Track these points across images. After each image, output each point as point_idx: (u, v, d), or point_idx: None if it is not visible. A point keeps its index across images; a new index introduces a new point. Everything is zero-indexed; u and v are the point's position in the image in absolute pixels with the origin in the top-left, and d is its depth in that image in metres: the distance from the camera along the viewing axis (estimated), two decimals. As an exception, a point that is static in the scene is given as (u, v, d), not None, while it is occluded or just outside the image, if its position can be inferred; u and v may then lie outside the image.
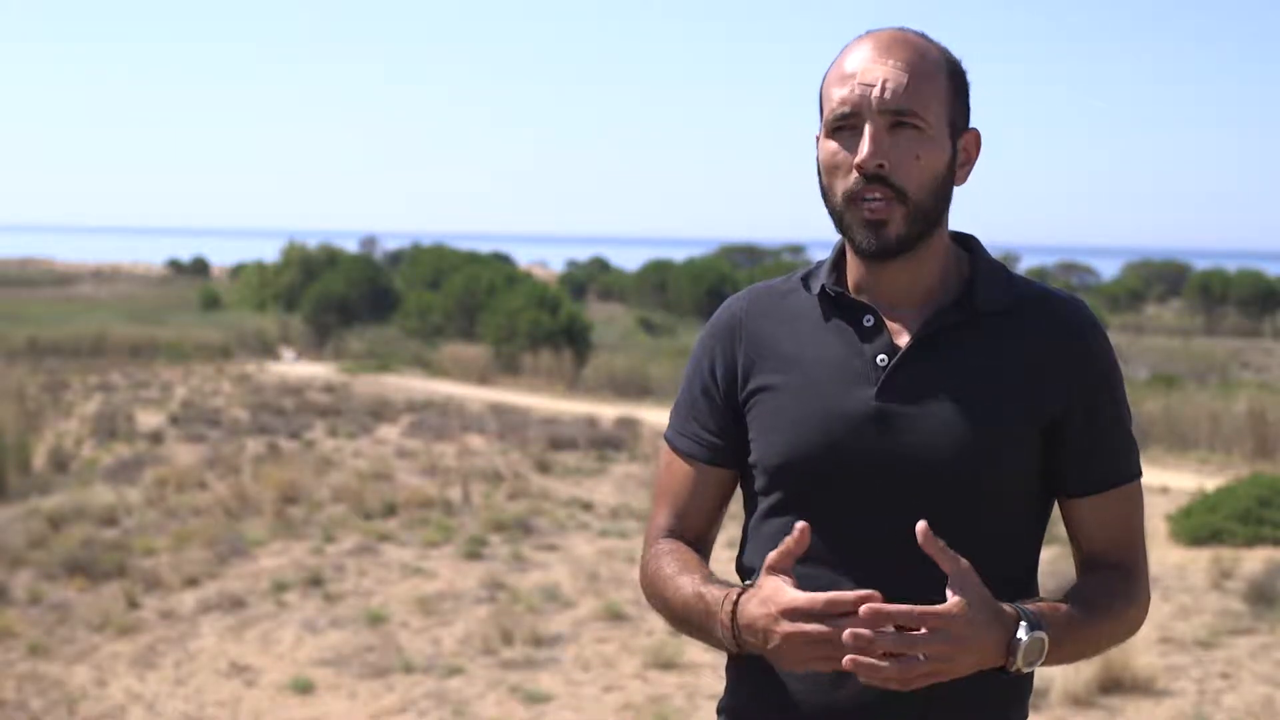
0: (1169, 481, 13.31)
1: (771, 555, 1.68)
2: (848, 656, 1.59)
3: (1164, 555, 9.83)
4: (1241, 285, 46.41)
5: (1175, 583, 8.86)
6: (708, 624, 1.78)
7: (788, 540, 1.67)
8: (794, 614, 1.63)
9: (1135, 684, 6.50)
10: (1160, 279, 60.82)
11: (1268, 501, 10.27)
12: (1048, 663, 1.71)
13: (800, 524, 1.67)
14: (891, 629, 1.59)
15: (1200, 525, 10.21)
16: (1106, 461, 1.83)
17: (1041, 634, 1.67)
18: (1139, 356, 32.28)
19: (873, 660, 1.58)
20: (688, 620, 1.83)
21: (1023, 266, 68.24)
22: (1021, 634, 1.66)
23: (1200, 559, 9.53)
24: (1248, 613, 7.92)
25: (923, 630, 1.59)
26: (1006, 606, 1.67)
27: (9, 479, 12.29)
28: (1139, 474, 1.87)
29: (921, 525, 1.63)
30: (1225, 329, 45.03)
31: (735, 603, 1.73)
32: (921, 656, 1.59)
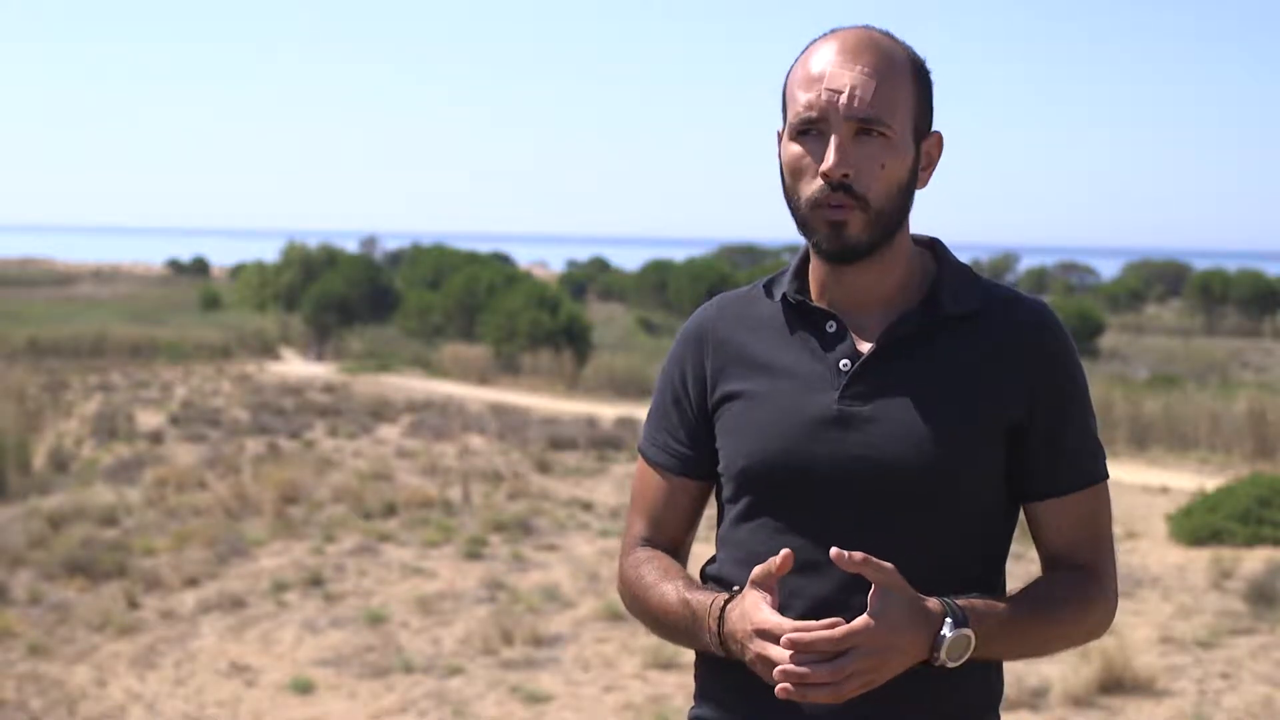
0: (1169, 481, 13.32)
1: (757, 570, 1.70)
2: (779, 686, 1.63)
3: (1164, 555, 9.84)
4: (1241, 285, 46.41)
5: (1175, 583, 8.86)
6: (694, 629, 1.80)
7: (773, 561, 1.69)
8: (765, 635, 1.66)
9: (1135, 684, 6.50)
10: (1160, 279, 60.84)
11: (1268, 501, 10.27)
12: (983, 657, 1.73)
13: (785, 550, 1.70)
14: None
15: (1200, 525, 10.21)
16: (1069, 465, 1.83)
17: (966, 631, 1.69)
18: (1139, 356, 32.27)
19: (803, 689, 1.63)
20: (672, 626, 1.85)
21: (1023, 266, 68.30)
22: (946, 631, 1.68)
23: (1200, 559, 9.53)
24: (1248, 613, 7.91)
25: (848, 651, 1.63)
26: (933, 603, 1.69)
27: (9, 479, 12.29)
28: (1104, 477, 1.87)
29: (834, 552, 1.66)
30: (1225, 329, 45.05)
31: (722, 609, 1.76)
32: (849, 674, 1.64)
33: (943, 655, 1.68)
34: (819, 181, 1.76)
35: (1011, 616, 1.75)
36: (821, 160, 1.76)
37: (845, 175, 1.75)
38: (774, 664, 1.64)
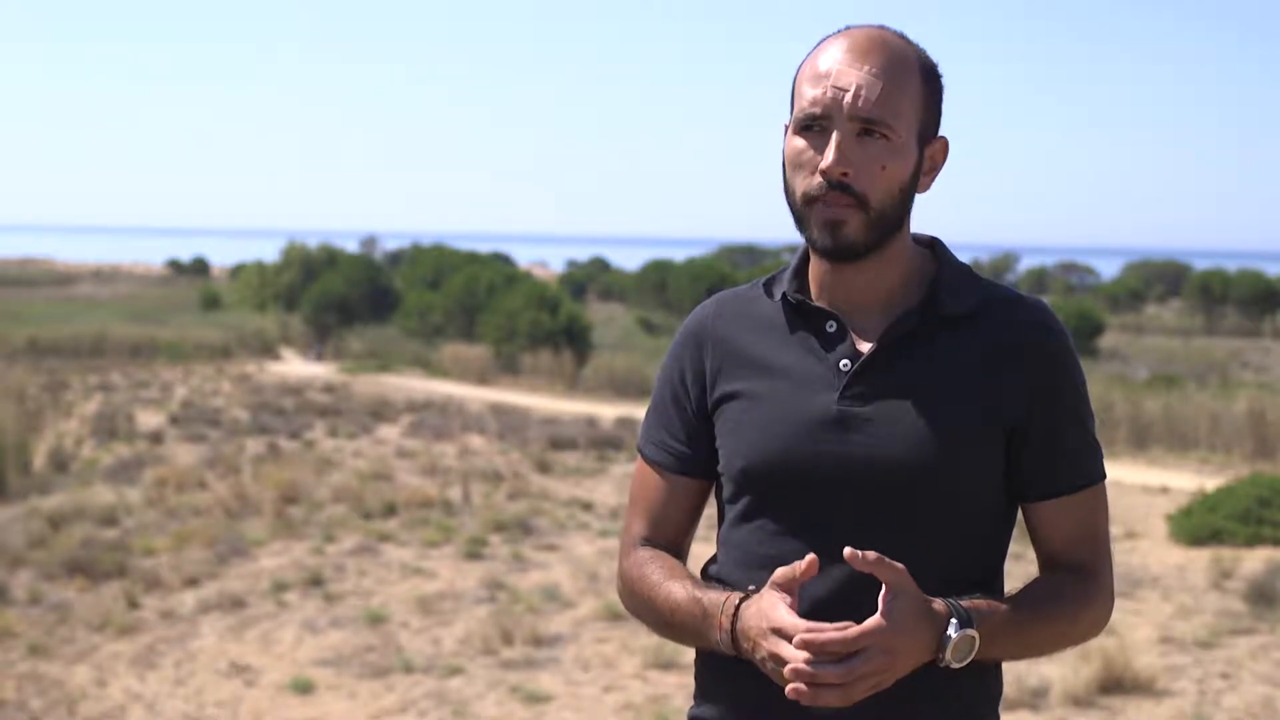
0: (1169, 481, 13.31)
1: (780, 571, 1.70)
2: (789, 686, 1.64)
3: (1164, 555, 9.84)
4: (1241, 285, 46.41)
5: (1175, 583, 8.86)
6: (702, 626, 1.80)
7: (798, 565, 1.69)
8: (781, 634, 1.66)
9: (1135, 684, 6.50)
10: (1160, 279, 60.85)
11: (1268, 501, 10.27)
12: (985, 657, 1.73)
13: (810, 556, 1.69)
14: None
15: (1200, 525, 10.21)
16: (1067, 466, 1.83)
17: (971, 631, 1.69)
18: (1139, 356, 32.27)
19: (815, 689, 1.63)
20: (679, 625, 1.84)
21: (1023, 266, 68.31)
22: (951, 631, 1.69)
23: (1200, 559, 9.53)
24: (1248, 613, 7.91)
25: (857, 652, 1.63)
26: (938, 603, 1.70)
27: (9, 479, 12.29)
28: (1101, 478, 1.87)
29: (848, 551, 1.66)
30: (1225, 329, 45.05)
31: (737, 607, 1.75)
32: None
33: (948, 656, 1.69)
34: (817, 178, 1.76)
35: (1013, 617, 1.75)
36: (822, 157, 1.76)
37: (844, 174, 1.74)
38: (786, 664, 1.64)
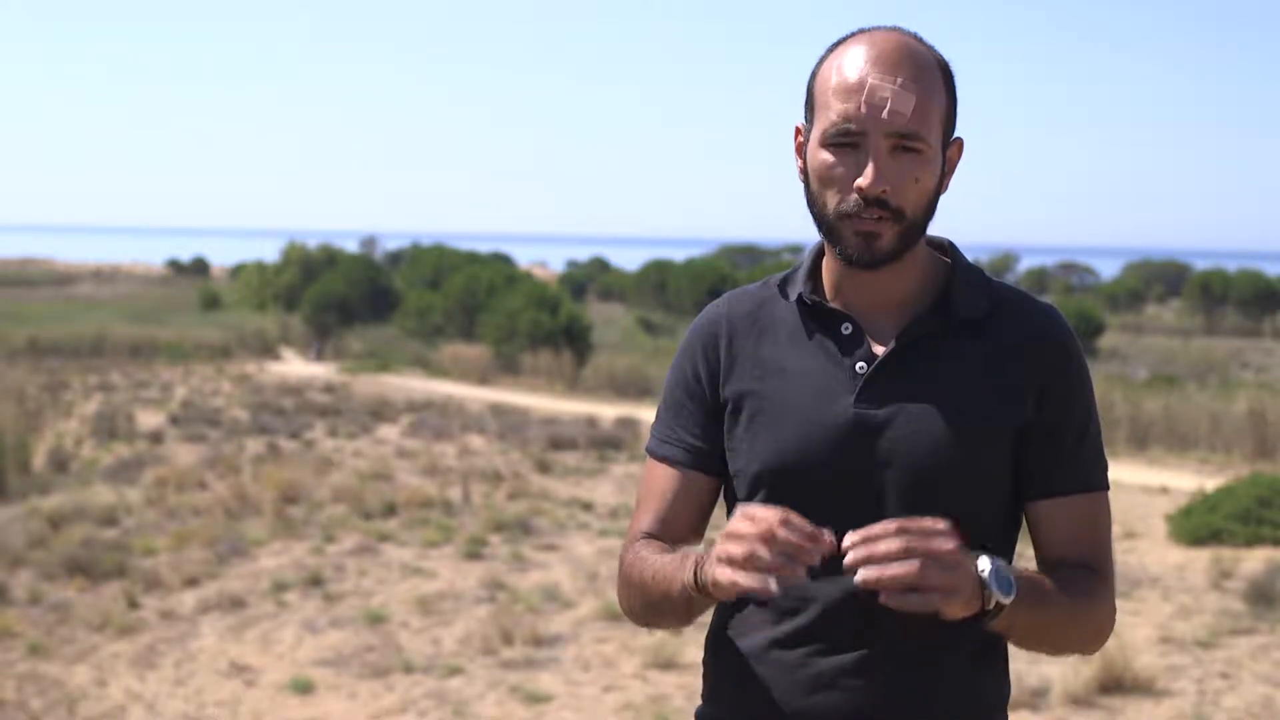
0: (1169, 481, 13.31)
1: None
2: (861, 573, 1.56)
3: (1164, 555, 9.84)
4: (1241, 285, 46.44)
5: (1175, 583, 8.86)
6: (679, 572, 1.75)
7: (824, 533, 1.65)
8: (751, 516, 1.61)
9: (1135, 684, 6.50)
10: (1160, 279, 60.90)
11: (1268, 501, 10.27)
12: (1009, 624, 1.68)
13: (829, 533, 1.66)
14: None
15: (1200, 525, 10.21)
16: (1069, 466, 1.83)
17: (1002, 561, 1.65)
18: (1139, 356, 32.28)
19: (884, 566, 1.56)
20: (662, 589, 1.79)
21: (1023, 266, 68.34)
22: (983, 564, 1.64)
23: (1200, 559, 9.53)
24: (1248, 613, 7.92)
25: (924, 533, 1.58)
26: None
27: (9, 479, 12.30)
28: (1104, 487, 1.86)
29: (855, 533, 1.61)
30: (1225, 329, 45.08)
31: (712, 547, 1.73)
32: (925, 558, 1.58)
33: (993, 586, 1.62)
34: (854, 195, 1.74)
35: (1035, 581, 1.72)
36: (855, 172, 1.74)
37: (884, 191, 1.73)
38: (752, 545, 1.57)
